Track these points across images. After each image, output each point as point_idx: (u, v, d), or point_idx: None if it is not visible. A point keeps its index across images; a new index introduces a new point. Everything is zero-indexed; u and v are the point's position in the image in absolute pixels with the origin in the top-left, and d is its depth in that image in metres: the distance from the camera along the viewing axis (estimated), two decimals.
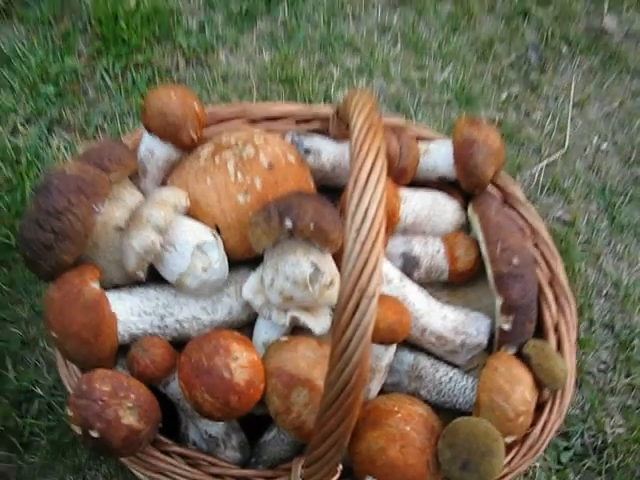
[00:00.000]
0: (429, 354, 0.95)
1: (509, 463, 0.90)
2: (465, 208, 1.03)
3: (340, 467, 0.78)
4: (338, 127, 1.04)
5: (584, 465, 1.23)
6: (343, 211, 0.91)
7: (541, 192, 1.48)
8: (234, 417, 0.86)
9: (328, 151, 1.02)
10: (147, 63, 1.60)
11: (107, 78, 1.57)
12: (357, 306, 0.65)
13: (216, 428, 0.93)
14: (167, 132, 1.00)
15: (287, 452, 0.93)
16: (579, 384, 1.28)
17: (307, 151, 1.03)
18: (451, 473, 0.83)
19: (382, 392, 0.93)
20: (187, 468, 0.90)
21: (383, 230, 0.65)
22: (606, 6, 1.75)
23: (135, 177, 1.05)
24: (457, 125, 1.03)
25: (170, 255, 0.91)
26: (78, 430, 0.86)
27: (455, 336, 0.94)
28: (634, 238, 1.47)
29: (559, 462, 1.24)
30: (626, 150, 1.58)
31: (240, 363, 0.85)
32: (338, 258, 0.88)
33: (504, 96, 1.61)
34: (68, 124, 1.52)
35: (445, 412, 0.90)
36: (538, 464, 1.22)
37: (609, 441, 1.25)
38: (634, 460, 1.23)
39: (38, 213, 0.91)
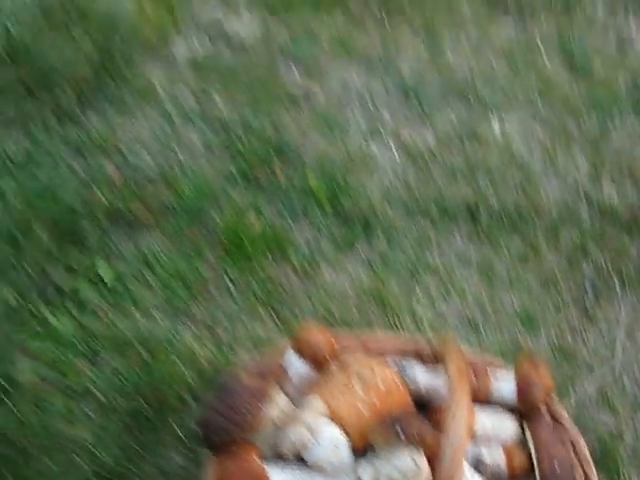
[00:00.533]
0: None
1: None
2: (521, 424, 1.57)
3: None
4: (431, 357, 1.64)
5: None
6: (437, 424, 1.41)
7: (591, 405, 1.99)
8: None
9: (424, 378, 1.59)
10: (264, 276, 2.18)
11: (230, 284, 2.14)
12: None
13: None
14: (310, 356, 1.61)
15: None
16: None
17: (408, 376, 1.60)
18: None
19: None
20: None
21: (466, 448, 1.19)
22: None
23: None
24: (519, 364, 1.62)
25: (314, 447, 1.47)
26: None
27: None
28: None
29: None
30: None
31: None
32: (430, 459, 1.42)
33: (562, 322, 2.18)
34: (195, 318, 2.07)
35: None
36: None
37: None
38: None
39: (220, 407, 1.49)
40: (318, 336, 1.62)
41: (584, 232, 2.35)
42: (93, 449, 1.81)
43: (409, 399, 1.54)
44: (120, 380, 1.94)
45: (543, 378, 1.58)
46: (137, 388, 1.90)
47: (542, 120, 2.62)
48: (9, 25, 2.65)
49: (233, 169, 2.42)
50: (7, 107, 2.51)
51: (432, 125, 2.58)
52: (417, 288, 2.19)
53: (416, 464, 1.39)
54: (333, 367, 1.59)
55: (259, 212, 2.32)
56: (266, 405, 1.49)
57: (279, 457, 1.49)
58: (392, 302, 2.10)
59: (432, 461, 1.40)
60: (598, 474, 1.59)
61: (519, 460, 1.50)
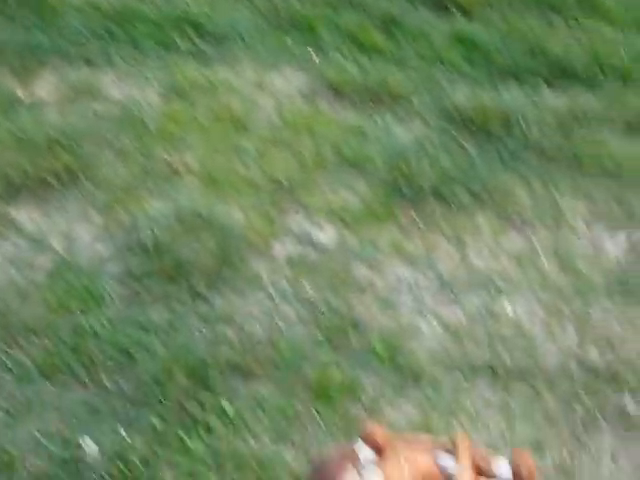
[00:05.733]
0: None
1: None
2: None
3: None
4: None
5: None
6: None
7: None
8: None
9: (451, 464, 1.88)
10: (343, 411, 2.56)
11: (319, 418, 2.53)
12: None
13: None
14: (371, 443, 1.93)
15: None
16: None
17: (440, 463, 1.90)
18: None
19: None
20: None
21: None
22: (627, 396, 2.65)
23: None
24: (512, 452, 1.89)
25: None
26: None
27: None
28: None
29: None
30: None
31: None
32: None
33: (563, 450, 2.47)
34: (296, 445, 2.46)
35: None
36: None
37: None
38: None
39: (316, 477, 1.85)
40: (377, 429, 1.88)
41: (575, 383, 2.64)
42: None
43: (440, 475, 1.83)
44: None
45: (528, 461, 1.83)
46: None
47: (541, 302, 2.97)
48: (154, 227, 3.04)
49: (319, 335, 2.80)
50: (154, 288, 2.92)
51: (461, 306, 2.95)
52: (454, 424, 2.48)
53: None
54: (387, 452, 1.87)
55: (339, 366, 2.65)
56: (346, 477, 1.77)
57: None
58: (435, 432, 2.45)
59: None
60: None
61: None
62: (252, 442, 2.43)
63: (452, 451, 1.98)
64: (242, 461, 2.36)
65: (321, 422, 2.51)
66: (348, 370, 2.69)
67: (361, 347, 2.81)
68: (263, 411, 2.55)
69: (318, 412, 2.55)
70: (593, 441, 2.54)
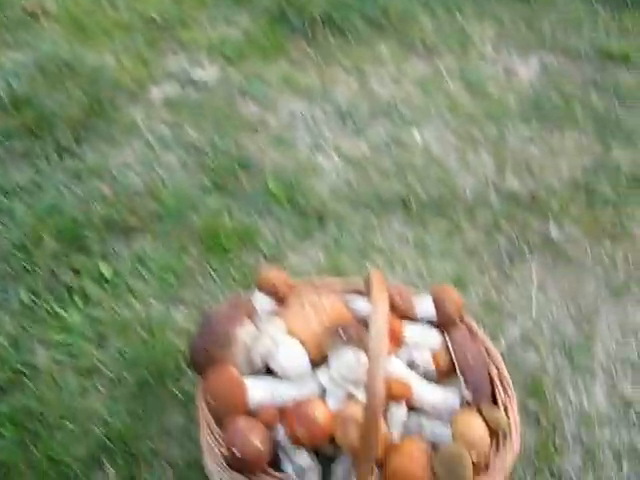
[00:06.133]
0: (428, 415, 1.52)
1: None
2: (443, 335, 1.63)
3: (377, 471, 1.36)
4: (367, 289, 1.66)
5: None
6: None
7: (518, 347, 2.06)
8: (317, 444, 1.43)
9: (365, 306, 1.65)
10: (239, 263, 2.19)
11: (212, 272, 2.17)
12: (376, 375, 1.21)
13: (305, 461, 1.46)
14: (270, 291, 1.66)
15: (347, 478, 1.45)
16: None
17: (351, 305, 1.66)
18: (441, 478, 1.38)
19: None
20: None
21: (386, 340, 1.22)
22: (552, 221, 2.36)
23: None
24: (434, 288, 1.70)
25: (277, 354, 1.54)
26: (227, 453, 1.41)
27: (441, 404, 1.52)
28: (589, 376, 2.00)
29: None
30: (577, 317, 2.16)
31: (320, 410, 1.43)
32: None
33: (486, 282, 2.18)
34: (186, 302, 2.09)
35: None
36: None
37: None
38: None
39: (203, 332, 1.55)
40: (276, 275, 1.67)
41: (495, 213, 2.40)
42: (105, 417, 1.79)
43: (353, 319, 1.61)
44: (124, 358, 1.92)
45: (453, 295, 1.66)
46: (140, 363, 1.90)
47: (452, 130, 2.68)
48: (10, 80, 2.55)
49: (206, 181, 2.46)
50: (15, 146, 2.51)
51: (365, 138, 2.64)
52: (367, 264, 2.21)
53: (357, 360, 1.46)
54: (290, 299, 1.65)
55: (230, 213, 2.30)
56: (239, 329, 1.53)
57: (253, 373, 1.54)
58: (345, 276, 2.14)
59: None
60: (529, 401, 1.77)
61: (444, 361, 1.58)
62: (137, 306, 2.07)
63: (365, 292, 1.69)
64: (126, 328, 2.01)
65: (215, 277, 2.16)
66: (242, 216, 2.35)
67: (255, 190, 2.43)
68: (148, 270, 2.18)
69: (211, 266, 2.19)
70: (519, 272, 2.26)
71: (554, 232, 2.38)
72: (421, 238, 2.33)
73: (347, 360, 1.47)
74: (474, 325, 1.67)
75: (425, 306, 1.65)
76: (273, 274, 1.66)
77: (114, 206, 2.33)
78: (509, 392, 1.56)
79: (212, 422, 1.49)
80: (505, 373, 1.59)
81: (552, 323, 2.13)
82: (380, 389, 1.20)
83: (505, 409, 1.52)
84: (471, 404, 1.51)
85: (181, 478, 1.70)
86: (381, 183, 2.49)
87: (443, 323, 1.63)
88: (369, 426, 1.23)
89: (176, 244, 2.24)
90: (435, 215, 2.40)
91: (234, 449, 1.39)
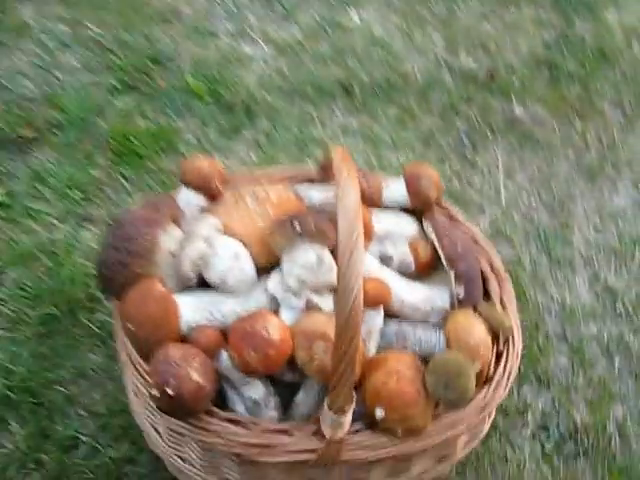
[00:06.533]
0: (410, 320, 1.21)
1: (484, 397, 1.13)
2: (420, 221, 1.33)
3: (354, 396, 1.02)
4: (322, 175, 1.37)
5: (564, 450, 1.44)
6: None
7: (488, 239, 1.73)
8: (273, 369, 1.10)
9: (317, 194, 1.33)
10: (158, 169, 1.85)
11: (125, 183, 1.83)
12: (351, 278, 0.90)
13: (258, 393, 1.14)
14: (200, 184, 1.29)
15: (314, 408, 1.14)
16: (547, 385, 1.54)
17: (301, 194, 1.33)
18: (437, 394, 1.08)
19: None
20: (237, 429, 1.10)
21: (362, 228, 0.91)
22: (514, 100, 2.05)
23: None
24: (406, 166, 1.36)
25: (215, 261, 1.18)
26: (156, 393, 1.07)
27: (426, 304, 1.21)
28: (569, 268, 1.78)
29: (544, 451, 1.44)
30: (550, 204, 1.91)
31: (274, 326, 1.10)
32: (334, 252, 1.14)
33: (448, 172, 1.87)
34: (95, 220, 1.76)
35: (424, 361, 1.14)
36: (528, 453, 1.43)
37: (580, 429, 1.47)
38: (603, 442, 1.46)
39: (115, 241, 1.18)
40: (205, 163, 1.33)
41: (451, 94, 2.10)
42: (6, 364, 1.48)
43: (304, 209, 1.30)
44: (27, 291, 1.60)
45: (429, 172, 1.35)
46: (45, 295, 1.58)
47: (395, 8, 2.34)
48: None
49: (114, 81, 2.09)
50: None
51: (296, 21, 2.30)
52: (307, 160, 1.90)
53: (319, 258, 1.14)
54: (225, 195, 1.32)
55: (144, 115, 2.01)
56: (161, 233, 1.19)
57: (184, 287, 1.21)
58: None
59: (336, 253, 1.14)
60: None
61: (423, 250, 1.28)
62: (38, 230, 1.71)
63: (317, 179, 1.38)
64: (26, 257, 1.66)
65: (129, 187, 1.82)
66: (157, 117, 2.01)
67: (171, 87, 2.07)
68: (48, 188, 1.81)
69: (123, 176, 1.85)
70: (483, 159, 1.97)
71: (518, 112, 2.09)
72: (369, 127, 2.01)
73: (305, 260, 1.13)
74: (454, 210, 1.37)
75: (395, 189, 1.32)
76: (202, 164, 1.30)
77: (4, 119, 1.94)
78: (505, 287, 1.27)
79: (136, 355, 1.16)
80: (499, 264, 1.30)
81: (524, 212, 1.88)
82: (359, 292, 0.90)
83: (502, 307, 1.24)
84: (464, 302, 1.20)
85: (105, 428, 1.41)
86: (317, 70, 2.14)
87: (419, 207, 1.32)
88: (346, 341, 0.92)
89: (80, 155, 1.88)
90: (383, 101, 2.08)
91: (166, 387, 1.06)
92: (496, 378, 1.16)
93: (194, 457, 1.17)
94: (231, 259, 1.16)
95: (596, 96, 2.15)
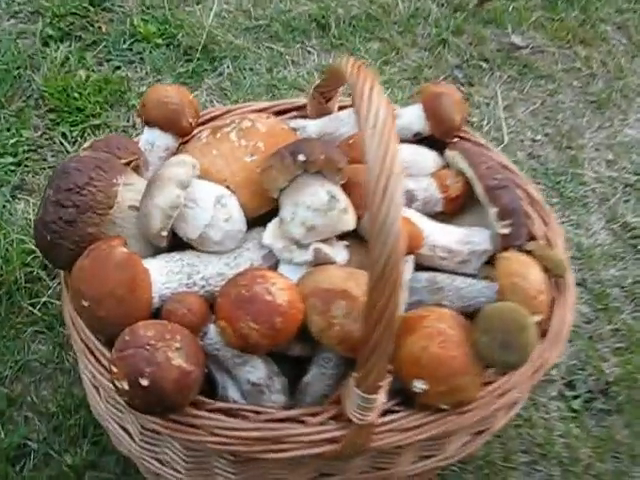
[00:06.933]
0: (445, 268, 0.99)
1: (541, 355, 0.93)
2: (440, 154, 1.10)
3: (390, 367, 0.80)
4: (315, 105, 1.10)
5: (595, 407, 1.29)
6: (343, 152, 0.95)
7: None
8: (280, 341, 0.85)
9: (311, 125, 1.08)
10: (104, 125, 1.60)
11: (66, 143, 1.57)
12: (388, 213, 0.67)
13: (258, 373, 0.90)
14: (168, 120, 1.02)
15: (329, 388, 0.91)
16: (570, 339, 1.32)
17: (295, 126, 1.08)
18: (492, 357, 0.86)
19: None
20: (235, 421, 0.86)
21: (397, 148, 0.68)
22: (510, 28, 1.82)
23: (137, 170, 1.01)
24: (422, 88, 1.13)
25: (193, 211, 0.92)
26: (125, 385, 0.82)
27: (463, 246, 0.98)
28: (583, 208, 1.58)
29: (572, 410, 1.29)
30: (556, 138, 1.69)
31: (279, 286, 0.85)
32: (347, 187, 0.93)
33: None
34: (31, 189, 1.50)
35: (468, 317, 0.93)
36: (555, 413, 1.28)
37: (610, 381, 1.32)
38: (636, 394, 1.30)
39: (58, 194, 0.91)
40: (172, 91, 1.05)
41: (438, 25, 1.87)
42: None
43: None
44: None
45: (450, 90, 1.11)
46: None
47: None
48: None
49: (50, 31, 1.77)
50: None
51: None
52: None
53: (331, 195, 0.90)
54: (199, 132, 1.06)
55: (85, 65, 1.72)
56: (119, 181, 0.93)
57: (153, 251, 0.95)
58: None
59: (350, 189, 0.93)
60: None
61: (453, 183, 1.03)
62: None
63: (310, 112, 1.13)
64: None
65: (70, 149, 1.53)
66: (102, 68, 1.72)
67: (116, 33, 1.79)
68: None
69: (64, 136, 1.57)
70: (480, 94, 1.75)
71: (514, 41, 1.84)
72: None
73: (313, 200, 0.88)
74: (477, 136, 1.13)
75: (411, 116, 1.08)
76: (168, 93, 1.03)
77: None
78: (551, 222, 1.04)
79: (94, 340, 0.90)
80: (538, 196, 1.07)
81: (529, 151, 1.66)
82: (399, 232, 0.67)
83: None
84: (509, 242, 0.97)
85: (58, 430, 1.18)
86: (286, 5, 1.86)
87: (441, 134, 1.08)
88: (383, 298, 0.69)
89: (10, 115, 1.60)
90: (362, 36, 1.82)
91: (139, 378, 0.80)
92: (553, 330, 0.94)
93: (176, 458, 0.94)
94: (214, 208, 0.91)
95: (597, 19, 1.92)
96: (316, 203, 0.88)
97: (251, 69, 1.72)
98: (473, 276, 0.97)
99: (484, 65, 1.78)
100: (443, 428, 0.88)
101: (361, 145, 0.70)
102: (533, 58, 1.82)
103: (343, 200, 0.90)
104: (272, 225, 0.93)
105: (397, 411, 0.87)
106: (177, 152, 1.03)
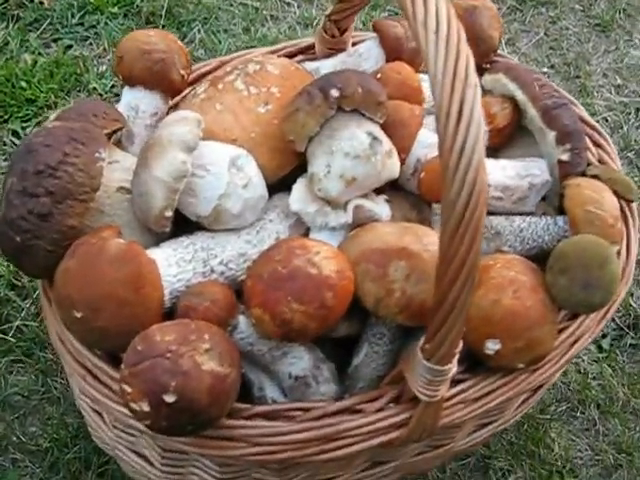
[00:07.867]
0: (503, 209, 0.87)
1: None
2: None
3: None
4: (326, 43, 0.96)
5: (626, 344, 1.24)
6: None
7: None
8: (331, 321, 0.71)
9: (327, 65, 0.93)
10: None
11: (16, 141, 1.37)
12: (462, 101, 0.54)
13: (302, 364, 0.76)
14: (153, 74, 0.83)
15: (383, 367, 0.80)
16: None
17: (308, 68, 0.93)
18: (573, 299, 0.76)
19: None
20: (280, 424, 0.72)
21: (472, 57, 0.56)
22: None
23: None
24: (454, 3, 0.99)
25: (203, 180, 0.75)
26: (145, 406, 0.66)
27: (521, 181, 0.86)
28: None
29: (602, 350, 1.23)
30: (563, 68, 1.61)
31: (324, 255, 0.70)
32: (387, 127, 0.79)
33: None
34: None
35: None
36: (585, 357, 1.21)
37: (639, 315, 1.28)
38: None
39: (24, 181, 0.72)
40: (156, 38, 0.86)
41: None
42: None
43: None
44: None
45: (486, 4, 0.96)
46: None
47: None
48: None
49: None
50: None
51: None
52: None
53: (373, 137, 0.74)
54: (193, 88, 0.87)
55: (30, 48, 1.51)
56: (102, 155, 0.73)
57: (156, 239, 0.78)
58: None
59: (391, 130, 0.78)
60: None
61: (497, 109, 0.88)
62: None
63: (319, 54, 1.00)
64: None
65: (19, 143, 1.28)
66: (51, 50, 1.51)
67: (64, 8, 1.59)
68: None
69: (14, 133, 1.36)
70: None
71: None
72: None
73: (352, 144, 0.72)
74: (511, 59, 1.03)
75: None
76: (152, 40, 0.84)
77: None
78: (607, 147, 0.94)
79: (92, 357, 0.74)
80: (588, 117, 0.97)
81: None
82: (481, 165, 0.54)
83: None
84: (571, 169, 0.86)
85: (55, 467, 1.03)
86: None
87: (479, 58, 0.93)
88: (461, 255, 0.57)
89: None
90: None
91: (163, 394, 0.64)
92: (621, 263, 0.86)
93: (207, 477, 0.82)
94: (229, 172, 0.73)
95: None
96: (357, 148, 0.72)
97: (225, 31, 1.57)
98: (530, 214, 0.86)
99: None
100: (516, 390, 0.78)
101: (424, 56, 0.55)
102: None
103: (386, 142, 0.75)
104: (299, 186, 0.77)
105: (463, 380, 0.77)
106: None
